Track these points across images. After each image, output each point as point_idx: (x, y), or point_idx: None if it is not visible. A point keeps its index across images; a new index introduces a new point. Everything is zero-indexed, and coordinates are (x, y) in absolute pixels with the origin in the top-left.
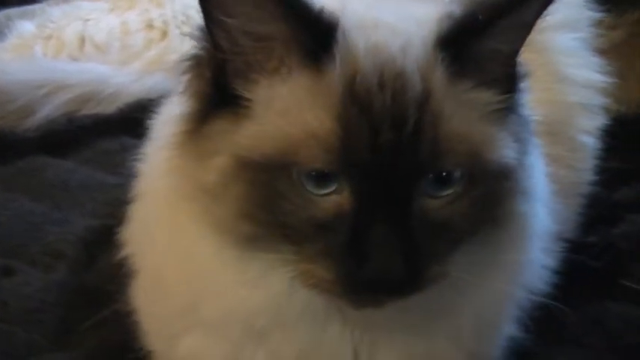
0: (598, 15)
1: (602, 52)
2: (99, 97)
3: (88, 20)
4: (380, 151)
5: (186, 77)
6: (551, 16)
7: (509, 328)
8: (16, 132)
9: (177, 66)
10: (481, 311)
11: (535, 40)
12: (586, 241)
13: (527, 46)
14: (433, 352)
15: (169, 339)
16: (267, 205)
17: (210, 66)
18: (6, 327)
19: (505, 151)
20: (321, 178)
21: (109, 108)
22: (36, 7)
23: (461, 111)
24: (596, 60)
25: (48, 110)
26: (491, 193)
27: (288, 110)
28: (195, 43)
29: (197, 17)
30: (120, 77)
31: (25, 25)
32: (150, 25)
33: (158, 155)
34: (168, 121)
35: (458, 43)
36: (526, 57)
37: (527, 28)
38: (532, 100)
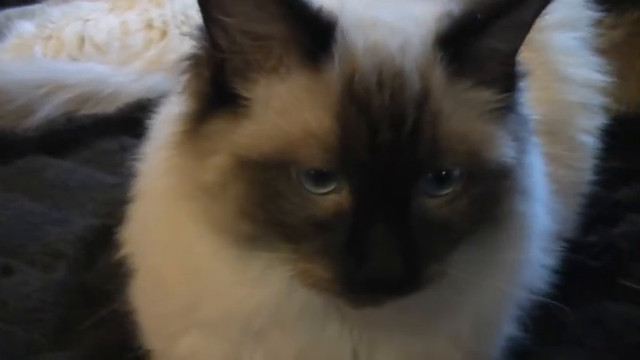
0: (598, 14)
1: (602, 51)
2: (98, 97)
3: (87, 20)
4: (379, 151)
5: (185, 77)
6: (551, 15)
7: (508, 328)
8: (15, 132)
9: (176, 65)
10: (480, 310)
11: (534, 39)
12: (586, 240)
13: (527, 45)
14: (432, 352)
15: (168, 338)
16: (266, 205)
17: (209, 65)
18: (5, 326)
19: (504, 150)
20: (320, 177)
21: (108, 108)
22: (35, 7)
23: (460, 110)
24: (595, 59)
25: (47, 110)
26: (491, 193)
27: (287, 109)
28: (195, 42)
29: (196, 17)
30: (119, 77)
31: (24, 26)
32: (149, 25)
33: (157, 155)
34: (167, 121)
35: (457, 42)
36: (525, 56)
37: (527, 27)
38: (531, 99)
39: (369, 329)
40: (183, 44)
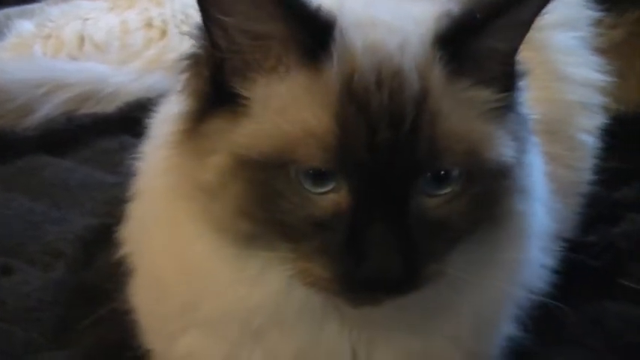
0: (598, 14)
1: (602, 51)
2: (98, 96)
3: (87, 19)
4: (377, 150)
5: (184, 76)
6: (551, 15)
7: (508, 328)
8: (15, 131)
9: (175, 65)
10: (479, 310)
11: (534, 39)
12: (585, 240)
13: (526, 44)
14: (431, 351)
15: (167, 338)
16: (264, 204)
17: (208, 65)
18: (4, 326)
19: (503, 149)
20: (319, 176)
21: (108, 107)
22: (35, 6)
23: (459, 109)
24: (595, 59)
25: (47, 109)
26: (490, 192)
27: (286, 109)
28: (194, 41)
29: (196, 16)
30: (119, 76)
31: (24, 25)
32: (149, 24)
33: (157, 154)
34: (166, 120)
35: (456, 42)
36: (525, 55)
37: (526, 26)
38: (531, 98)
39: (368, 328)
40: (183, 43)
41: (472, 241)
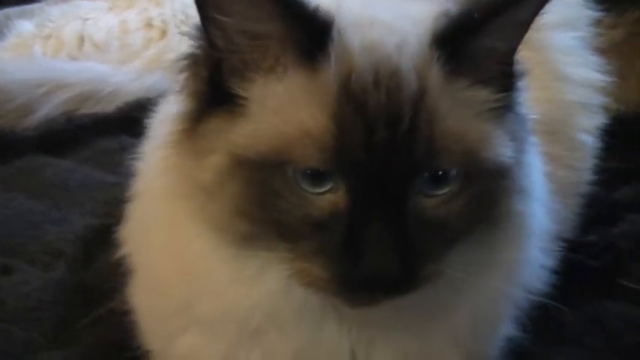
0: (597, 14)
1: (601, 51)
2: (98, 96)
3: (87, 19)
4: (375, 150)
5: (182, 76)
6: (550, 15)
7: (507, 328)
8: (15, 131)
9: (174, 65)
10: (478, 310)
11: (533, 38)
12: (585, 240)
13: (526, 44)
14: (430, 351)
15: (166, 338)
16: (262, 204)
17: (206, 65)
18: (4, 326)
19: (501, 149)
20: (316, 176)
21: (108, 107)
22: (35, 6)
23: (457, 109)
24: (595, 59)
25: (47, 109)
26: (488, 192)
27: (284, 109)
28: (192, 41)
29: (196, 16)
30: (119, 76)
31: (24, 25)
32: (149, 24)
33: (155, 154)
34: (165, 120)
35: (454, 41)
36: (524, 55)
37: (524, 26)
38: (530, 98)
39: (367, 329)
40: (183, 43)
41: (470, 242)
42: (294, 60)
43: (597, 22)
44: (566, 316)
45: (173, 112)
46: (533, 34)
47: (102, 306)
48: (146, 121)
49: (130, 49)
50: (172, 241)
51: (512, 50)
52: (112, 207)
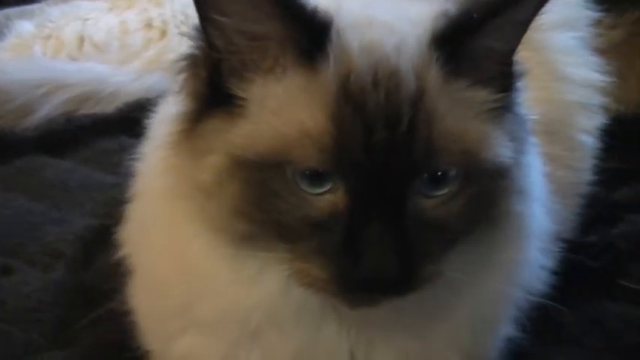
0: (597, 14)
1: (601, 51)
2: (98, 96)
3: (87, 20)
4: (374, 150)
5: (182, 77)
6: (550, 15)
7: (506, 329)
8: (15, 131)
9: (173, 65)
10: (477, 311)
11: (533, 39)
12: (585, 241)
13: (525, 44)
14: (429, 352)
15: (166, 338)
16: (261, 204)
17: (205, 65)
18: (4, 326)
19: (501, 149)
20: (316, 177)
21: (107, 107)
22: (35, 6)
23: (456, 110)
24: (594, 59)
25: (47, 110)
26: (487, 193)
27: (283, 109)
28: (192, 42)
29: (195, 17)
30: (119, 77)
31: (24, 25)
32: (149, 25)
33: (155, 154)
34: (164, 121)
35: (453, 42)
36: (524, 55)
37: (524, 26)
38: (530, 98)
39: (366, 329)
40: (183, 44)
41: (470, 242)
42: (293, 60)
43: (597, 23)
44: (565, 316)
45: (172, 113)
46: (532, 35)
47: (101, 306)
48: (146, 121)
49: (129, 49)
50: (172, 241)
51: (512, 50)
52: (111, 207)
